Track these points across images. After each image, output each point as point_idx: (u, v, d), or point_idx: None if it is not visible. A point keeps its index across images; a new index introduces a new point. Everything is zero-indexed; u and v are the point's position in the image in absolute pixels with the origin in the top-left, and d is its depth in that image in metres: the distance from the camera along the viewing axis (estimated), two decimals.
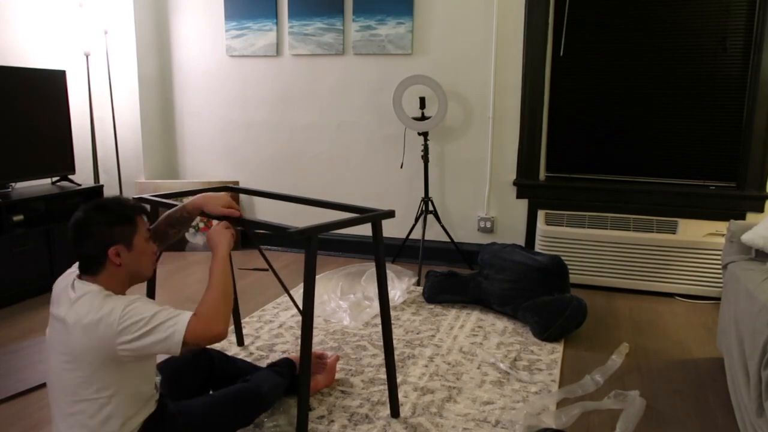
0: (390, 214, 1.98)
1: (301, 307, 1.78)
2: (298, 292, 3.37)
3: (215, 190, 2.53)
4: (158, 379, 1.73)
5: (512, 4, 3.65)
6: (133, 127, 4.38)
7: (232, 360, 2.13)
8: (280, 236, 1.80)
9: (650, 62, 3.57)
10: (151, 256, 1.67)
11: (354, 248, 4.22)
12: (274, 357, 2.58)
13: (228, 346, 2.66)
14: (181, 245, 4.32)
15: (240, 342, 2.69)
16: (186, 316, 1.52)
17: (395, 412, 2.10)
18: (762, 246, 2.29)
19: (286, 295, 3.39)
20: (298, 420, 1.79)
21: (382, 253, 2.00)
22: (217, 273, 1.67)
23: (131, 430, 1.58)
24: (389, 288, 3.38)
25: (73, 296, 1.53)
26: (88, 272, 1.59)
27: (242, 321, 2.99)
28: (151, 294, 2.32)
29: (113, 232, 1.57)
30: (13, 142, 3.40)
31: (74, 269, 1.64)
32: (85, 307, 1.50)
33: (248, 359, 2.55)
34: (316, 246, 1.74)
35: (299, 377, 1.81)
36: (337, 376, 2.41)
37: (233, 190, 2.55)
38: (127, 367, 1.53)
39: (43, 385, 2.34)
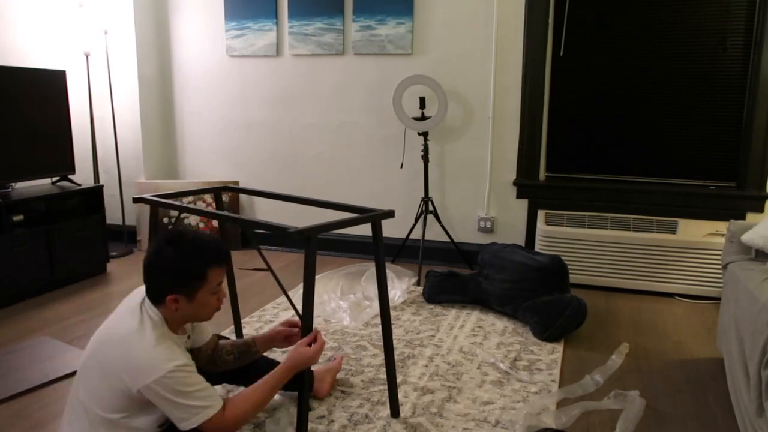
0: (389, 214, 1.98)
1: (299, 306, 1.79)
2: (298, 292, 3.37)
3: (215, 190, 2.53)
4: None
5: (512, 4, 3.65)
6: (133, 127, 4.38)
7: None
8: (279, 236, 1.79)
9: (650, 62, 3.57)
10: (213, 308, 1.66)
11: (354, 248, 4.22)
12: (274, 357, 2.57)
13: None
14: None
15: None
16: (214, 410, 1.55)
17: (395, 412, 2.10)
18: (762, 246, 2.29)
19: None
20: (298, 420, 1.79)
21: (381, 253, 2.00)
22: (273, 381, 1.69)
23: None
24: (389, 288, 3.38)
25: (137, 318, 1.58)
26: (150, 298, 1.61)
27: (242, 321, 2.99)
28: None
29: (177, 282, 1.58)
30: (13, 142, 3.40)
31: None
32: (138, 337, 1.54)
33: None
34: (315, 246, 1.74)
35: (299, 378, 1.81)
36: (337, 376, 2.41)
37: (233, 190, 2.55)
38: (135, 404, 1.56)
39: (44, 385, 2.34)
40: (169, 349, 1.54)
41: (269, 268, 1.91)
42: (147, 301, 1.61)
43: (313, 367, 2.23)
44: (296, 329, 1.99)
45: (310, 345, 1.75)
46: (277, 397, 2.21)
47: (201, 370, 1.75)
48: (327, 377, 2.25)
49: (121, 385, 1.52)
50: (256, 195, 2.48)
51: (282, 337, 1.98)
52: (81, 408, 1.58)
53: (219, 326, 2.92)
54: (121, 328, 1.57)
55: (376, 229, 1.97)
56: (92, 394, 1.57)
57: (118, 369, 1.52)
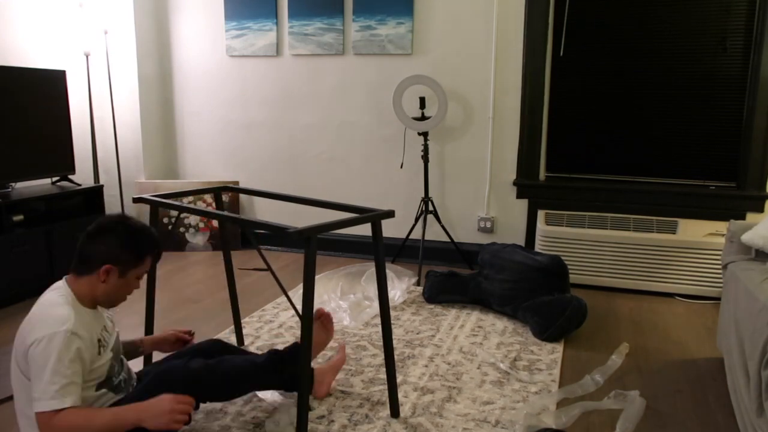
0: (389, 214, 1.98)
1: (300, 307, 1.78)
2: (297, 292, 3.37)
3: (215, 190, 2.53)
4: (121, 378, 1.74)
5: (512, 4, 3.65)
6: (133, 127, 4.38)
7: (234, 349, 2.14)
8: (279, 236, 1.79)
9: (650, 62, 3.57)
10: (129, 292, 1.71)
11: (354, 248, 4.22)
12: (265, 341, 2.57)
13: None
14: (181, 245, 4.32)
15: (240, 342, 2.69)
16: (64, 404, 1.48)
17: (395, 412, 2.10)
18: (762, 246, 2.29)
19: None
20: (298, 420, 1.79)
21: (381, 253, 2.00)
22: (113, 419, 1.54)
23: None
24: (389, 288, 3.38)
25: (42, 300, 1.62)
26: (76, 270, 1.64)
27: (242, 321, 2.99)
28: (150, 295, 2.33)
29: (119, 255, 1.63)
30: (13, 142, 3.40)
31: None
32: (38, 310, 1.58)
33: None
34: (315, 246, 1.74)
35: (299, 377, 1.81)
36: (337, 376, 2.41)
37: (233, 190, 2.55)
38: None
39: None
40: (68, 311, 1.56)
41: (269, 268, 1.91)
42: (59, 282, 1.65)
43: (314, 364, 2.23)
44: (189, 337, 2.05)
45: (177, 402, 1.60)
46: (277, 397, 2.21)
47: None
48: (326, 377, 2.25)
49: (23, 361, 1.54)
50: (256, 195, 2.48)
51: (172, 340, 2.02)
52: (20, 415, 1.61)
53: (219, 326, 2.92)
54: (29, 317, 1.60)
55: (376, 229, 1.97)
56: (18, 392, 1.59)
57: (26, 332, 1.55)
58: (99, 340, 1.65)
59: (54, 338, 1.50)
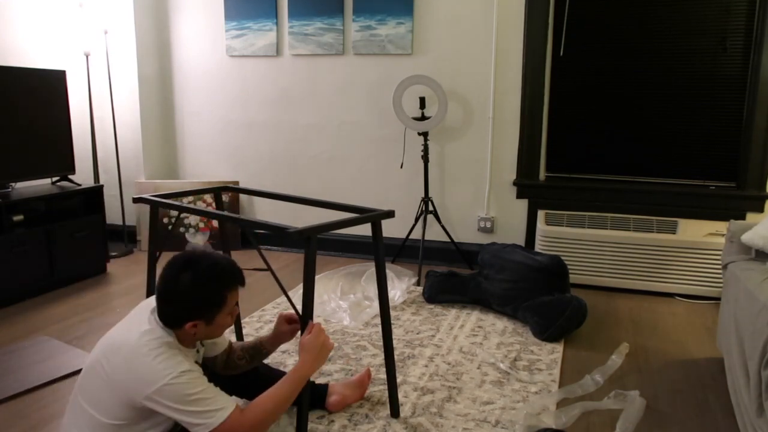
0: (389, 214, 1.98)
1: (300, 307, 1.78)
2: (298, 292, 3.37)
3: (215, 190, 2.52)
4: None
5: (512, 4, 3.65)
6: (133, 127, 4.38)
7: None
8: (279, 236, 1.79)
9: (650, 62, 3.57)
10: (228, 326, 1.66)
11: (354, 248, 4.22)
12: (274, 357, 2.58)
13: None
14: (181, 245, 4.32)
15: (240, 340, 2.67)
16: (227, 411, 1.51)
17: (395, 412, 2.10)
18: (762, 246, 2.29)
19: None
20: (298, 421, 1.79)
21: (381, 253, 2.00)
22: (292, 384, 1.65)
23: None
24: (389, 288, 3.38)
25: (144, 328, 1.55)
26: (165, 322, 1.58)
27: (242, 321, 2.99)
28: (151, 290, 2.32)
29: (197, 310, 1.56)
30: (13, 142, 3.40)
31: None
32: (144, 348, 1.51)
33: None
34: (315, 246, 1.74)
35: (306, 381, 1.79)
36: (337, 376, 2.41)
37: (233, 190, 2.55)
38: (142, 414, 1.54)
39: (43, 385, 2.34)
40: (173, 358, 1.51)
41: (269, 268, 1.91)
42: (154, 317, 1.59)
43: (332, 382, 2.20)
44: (296, 323, 1.98)
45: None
46: None
47: (218, 377, 1.75)
48: (340, 389, 2.16)
49: (124, 395, 1.51)
50: (256, 195, 2.47)
51: (286, 328, 1.96)
52: (81, 412, 1.58)
53: None
54: (128, 337, 1.54)
55: (376, 229, 1.97)
56: (94, 400, 1.55)
57: (122, 378, 1.51)
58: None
59: (176, 379, 1.48)
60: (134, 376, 1.49)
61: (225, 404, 1.53)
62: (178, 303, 1.55)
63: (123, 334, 1.57)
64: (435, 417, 2.10)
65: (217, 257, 1.60)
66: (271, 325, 2.93)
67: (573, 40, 3.68)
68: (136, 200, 2.23)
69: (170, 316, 1.56)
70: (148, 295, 2.32)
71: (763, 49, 3.29)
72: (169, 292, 1.55)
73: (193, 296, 1.54)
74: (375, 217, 1.95)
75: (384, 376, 2.41)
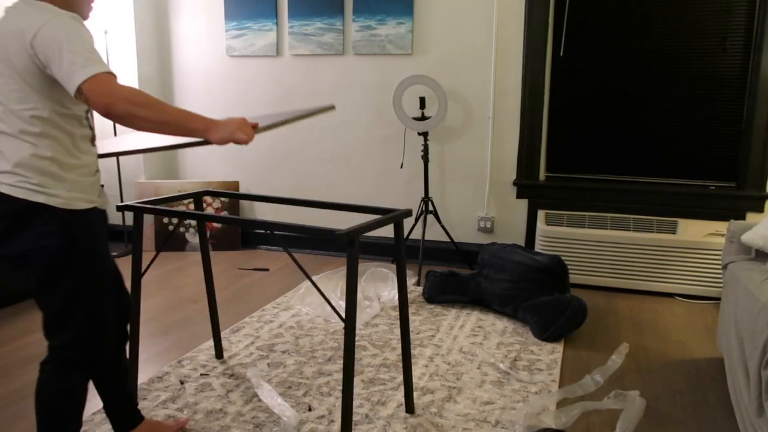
0: (408, 213, 1.99)
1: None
2: (298, 292, 3.37)
3: (214, 192, 2.52)
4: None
5: (512, 4, 3.65)
6: None
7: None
8: (280, 236, 1.78)
9: (650, 62, 3.57)
10: (89, 5, 1.64)
11: None
12: (274, 357, 2.58)
13: (207, 358, 2.63)
14: (181, 245, 4.32)
15: (219, 355, 2.57)
16: (105, 69, 1.40)
17: (410, 408, 2.12)
18: (762, 246, 2.29)
19: (285, 295, 3.39)
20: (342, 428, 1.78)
21: (402, 252, 2.02)
22: (181, 112, 1.49)
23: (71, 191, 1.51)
24: (389, 288, 3.39)
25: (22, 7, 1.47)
26: None
27: (241, 322, 2.99)
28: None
29: None
30: None
31: None
32: (25, 11, 1.44)
33: (246, 360, 2.55)
34: (357, 247, 1.74)
35: (343, 390, 1.77)
36: (337, 376, 2.41)
37: (213, 194, 2.54)
38: (55, 90, 1.46)
39: None
40: (65, 16, 1.44)
41: (305, 273, 1.90)
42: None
43: (151, 418, 2.03)
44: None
45: None
46: (277, 400, 2.21)
47: None
48: (150, 429, 1.94)
49: (21, 51, 1.41)
50: (263, 201, 2.45)
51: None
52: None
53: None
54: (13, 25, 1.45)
55: (398, 229, 2.00)
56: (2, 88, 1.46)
57: (15, 29, 1.42)
58: None
59: (65, 17, 1.42)
60: (28, 20, 1.42)
61: (104, 65, 1.41)
62: None
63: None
64: (435, 417, 2.10)
65: None
66: (272, 325, 2.93)
67: (573, 40, 3.68)
68: (120, 208, 2.13)
69: None
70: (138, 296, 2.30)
71: (763, 49, 3.29)
72: None
73: None
74: (399, 216, 1.95)
75: (384, 376, 2.41)
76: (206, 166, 4.54)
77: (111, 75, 1.41)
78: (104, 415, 2.09)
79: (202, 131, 1.51)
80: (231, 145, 4.44)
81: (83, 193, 1.54)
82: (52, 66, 1.40)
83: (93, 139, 1.63)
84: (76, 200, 1.51)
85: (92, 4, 1.66)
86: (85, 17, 1.62)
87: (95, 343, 1.61)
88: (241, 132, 1.54)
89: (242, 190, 4.44)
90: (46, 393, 1.59)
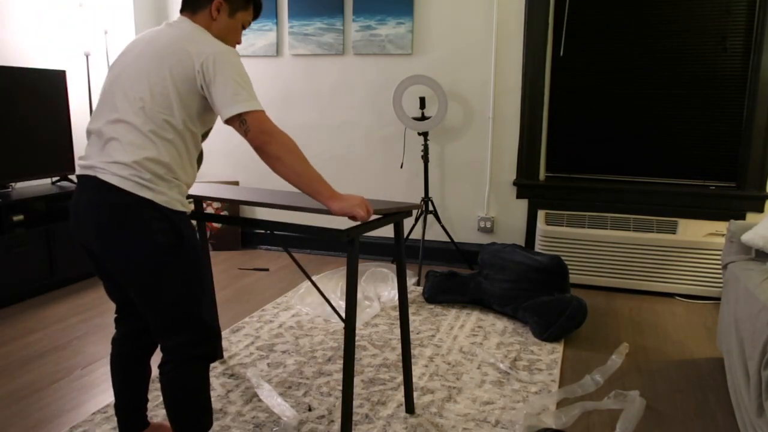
0: (416, 205, 1.99)
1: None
2: (298, 292, 3.37)
3: (213, 198, 2.52)
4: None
5: (512, 4, 3.65)
6: None
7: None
8: (279, 236, 1.77)
9: (650, 62, 3.57)
10: (237, 39, 1.75)
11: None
12: (274, 357, 2.58)
13: None
14: None
15: (219, 355, 2.58)
16: (260, 106, 1.56)
17: (410, 408, 2.12)
18: (762, 246, 2.29)
19: (285, 295, 3.39)
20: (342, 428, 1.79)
21: (402, 252, 2.02)
22: (317, 177, 1.61)
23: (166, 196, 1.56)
24: (389, 288, 3.39)
25: (174, 24, 1.65)
26: (190, 9, 1.68)
27: (241, 322, 2.99)
28: None
29: None
30: (13, 142, 3.40)
31: None
32: (192, 33, 1.60)
33: (246, 360, 2.55)
34: (357, 247, 1.73)
35: (343, 390, 1.77)
36: (337, 376, 2.41)
37: (236, 202, 2.54)
38: (195, 108, 1.57)
39: (44, 386, 2.34)
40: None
41: (305, 273, 1.90)
42: (184, 21, 1.67)
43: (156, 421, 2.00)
44: None
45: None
46: (277, 400, 2.21)
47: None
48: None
49: (187, 65, 1.54)
50: (271, 207, 2.43)
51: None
52: (136, 110, 1.54)
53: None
54: (170, 30, 1.62)
55: (399, 228, 2.00)
56: (146, 98, 1.54)
57: (181, 45, 1.56)
58: None
59: (232, 53, 1.57)
60: (195, 42, 1.57)
61: (261, 104, 1.58)
62: None
63: (162, 31, 1.63)
64: (435, 417, 2.10)
65: None
66: (272, 325, 2.93)
67: (573, 41, 3.68)
68: None
69: None
70: None
71: (763, 49, 3.29)
72: None
73: None
74: (399, 216, 1.94)
75: (384, 376, 2.41)
76: (206, 166, 4.53)
77: (265, 114, 1.56)
78: (104, 414, 2.10)
79: (326, 197, 1.61)
80: (230, 145, 4.44)
81: (182, 197, 1.61)
82: (213, 88, 1.53)
83: (199, 159, 1.76)
84: (176, 201, 1.57)
85: (237, 45, 1.81)
86: None
87: (211, 336, 1.64)
88: (361, 209, 1.64)
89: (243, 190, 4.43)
90: (183, 390, 1.62)
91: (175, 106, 1.54)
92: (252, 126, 1.52)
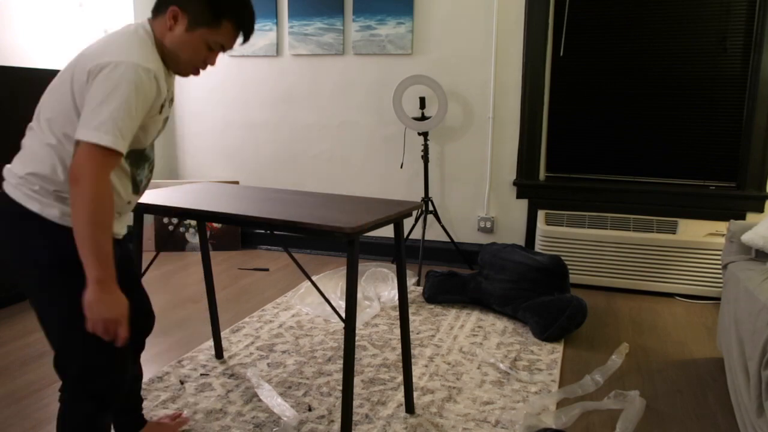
0: (417, 205, 1.99)
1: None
2: (298, 292, 3.37)
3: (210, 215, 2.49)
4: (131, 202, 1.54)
5: (512, 4, 3.65)
6: None
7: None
8: (279, 237, 1.76)
9: (650, 62, 3.57)
10: (197, 62, 1.49)
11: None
12: (274, 357, 2.58)
13: (207, 358, 2.65)
14: (181, 245, 4.32)
15: (219, 355, 2.56)
16: (108, 141, 1.28)
17: (410, 408, 2.12)
18: (762, 246, 2.29)
19: (285, 295, 3.39)
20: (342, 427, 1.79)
21: (402, 252, 2.02)
22: (104, 251, 1.32)
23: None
24: (389, 288, 3.39)
25: (124, 29, 1.43)
26: (154, 11, 1.47)
27: (241, 322, 2.99)
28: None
29: (191, 3, 1.42)
30: (13, 142, 3.39)
31: None
32: (117, 39, 1.38)
33: (246, 360, 2.55)
34: (357, 248, 1.72)
35: (343, 390, 1.76)
36: (337, 376, 2.41)
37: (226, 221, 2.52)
38: None
39: (43, 386, 2.34)
40: (146, 51, 1.38)
41: (305, 273, 1.90)
42: (140, 23, 1.46)
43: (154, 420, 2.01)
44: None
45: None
46: (277, 400, 2.21)
47: None
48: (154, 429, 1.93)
49: (84, 72, 1.34)
50: (228, 222, 2.45)
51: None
52: (45, 134, 1.40)
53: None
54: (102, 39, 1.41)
55: (399, 229, 2.01)
56: (54, 108, 1.39)
57: (94, 51, 1.36)
58: (164, 100, 1.46)
59: (131, 69, 1.31)
60: (103, 46, 1.36)
61: (121, 140, 1.30)
62: None
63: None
64: (435, 417, 2.10)
65: None
66: (272, 325, 2.93)
67: (573, 40, 3.68)
68: None
69: None
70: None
71: (763, 49, 3.29)
72: None
73: None
74: (399, 216, 1.94)
75: (384, 376, 2.41)
76: (206, 166, 4.54)
77: (109, 155, 1.30)
78: None
79: (91, 276, 1.31)
80: (230, 145, 4.44)
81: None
82: (85, 103, 1.32)
83: (134, 183, 1.52)
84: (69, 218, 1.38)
85: (200, 70, 1.53)
86: (180, 73, 1.52)
87: (104, 373, 1.44)
88: (105, 323, 1.34)
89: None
90: (64, 426, 1.47)
91: (75, 119, 1.36)
92: (78, 153, 1.29)
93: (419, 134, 3.81)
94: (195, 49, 1.46)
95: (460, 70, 3.82)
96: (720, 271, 3.29)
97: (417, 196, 4.03)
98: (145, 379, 2.38)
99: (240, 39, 1.52)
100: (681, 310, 3.25)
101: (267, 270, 3.88)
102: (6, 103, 3.35)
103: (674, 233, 3.41)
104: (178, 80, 4.48)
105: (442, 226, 3.86)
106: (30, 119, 1.54)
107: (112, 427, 1.83)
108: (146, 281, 3.60)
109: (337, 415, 2.10)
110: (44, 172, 1.39)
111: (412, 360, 2.56)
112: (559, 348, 2.70)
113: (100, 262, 1.30)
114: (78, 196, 1.28)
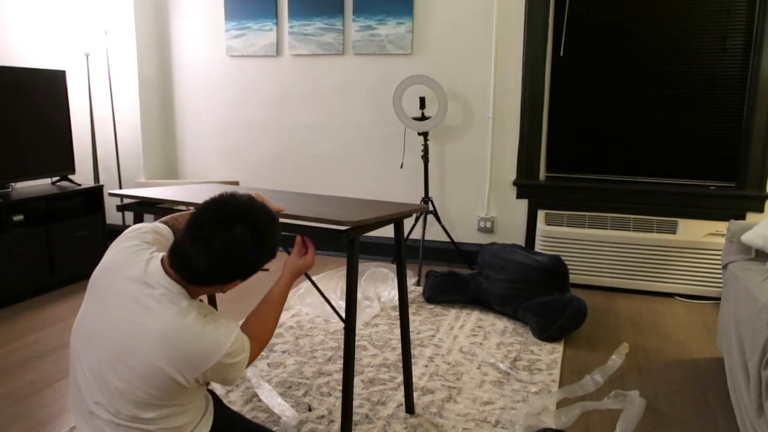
0: (421, 208, 1.99)
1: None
2: (298, 292, 3.37)
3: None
4: None
5: (512, 4, 3.65)
6: (133, 126, 4.38)
7: (234, 415, 1.71)
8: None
9: (650, 62, 3.57)
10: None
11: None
12: (274, 357, 2.58)
13: None
14: None
15: None
16: (246, 356, 1.38)
17: (410, 408, 2.12)
18: (762, 246, 2.29)
19: None
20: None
21: (402, 252, 2.02)
22: (277, 292, 1.57)
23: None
24: (389, 288, 3.39)
25: (157, 294, 1.30)
26: (185, 276, 1.31)
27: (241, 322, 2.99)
28: None
29: (250, 271, 1.36)
30: (13, 142, 3.40)
31: (150, 236, 1.48)
32: (179, 321, 1.28)
33: None
34: (357, 248, 1.72)
35: (343, 390, 1.75)
36: (337, 376, 2.41)
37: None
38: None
39: (43, 386, 2.34)
40: (215, 322, 1.32)
41: (305, 273, 1.88)
42: (157, 269, 1.34)
43: None
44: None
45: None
46: (277, 400, 2.21)
47: None
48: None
49: (171, 383, 1.29)
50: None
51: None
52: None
53: None
54: (151, 322, 1.29)
55: (399, 229, 2.00)
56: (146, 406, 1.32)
57: (167, 369, 1.28)
58: None
59: (231, 350, 1.32)
60: (186, 359, 1.28)
61: (245, 351, 1.37)
62: (236, 267, 1.31)
63: (142, 321, 1.30)
64: (435, 417, 2.10)
65: (264, 211, 1.36)
66: None
67: (573, 41, 3.68)
68: (119, 208, 2.19)
69: (214, 277, 1.31)
70: None
71: (763, 49, 3.29)
72: (231, 256, 1.29)
73: (253, 259, 1.32)
74: (399, 216, 1.93)
75: (384, 376, 2.41)
76: (206, 166, 4.53)
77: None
78: None
79: (293, 277, 1.62)
80: (231, 145, 4.44)
81: None
82: None
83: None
84: None
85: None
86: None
87: None
88: (310, 260, 1.66)
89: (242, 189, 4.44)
90: None
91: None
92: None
93: (419, 134, 3.81)
94: None
95: (460, 70, 3.82)
96: (720, 271, 3.29)
97: (417, 196, 4.03)
98: None
99: None
100: (681, 310, 3.25)
101: (267, 270, 3.87)
102: (6, 103, 3.35)
103: (674, 233, 3.41)
104: (179, 80, 4.48)
105: (442, 226, 3.86)
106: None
107: None
108: None
109: (337, 415, 2.10)
110: None
111: (412, 360, 2.56)
112: (559, 348, 2.70)
113: (283, 297, 1.60)
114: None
